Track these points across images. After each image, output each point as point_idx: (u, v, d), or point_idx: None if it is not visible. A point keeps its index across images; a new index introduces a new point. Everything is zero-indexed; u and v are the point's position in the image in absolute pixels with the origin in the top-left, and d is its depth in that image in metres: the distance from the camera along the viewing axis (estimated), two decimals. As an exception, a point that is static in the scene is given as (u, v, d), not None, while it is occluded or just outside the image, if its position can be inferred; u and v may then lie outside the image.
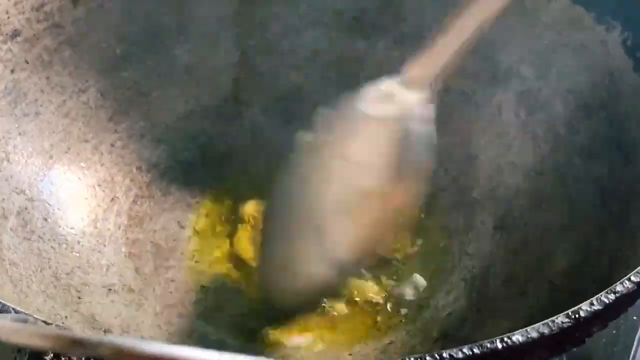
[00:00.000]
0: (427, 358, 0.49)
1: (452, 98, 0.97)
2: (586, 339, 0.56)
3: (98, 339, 0.36)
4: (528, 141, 0.91)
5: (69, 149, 0.91)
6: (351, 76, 0.97)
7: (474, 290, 0.84)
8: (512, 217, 0.88)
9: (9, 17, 0.87)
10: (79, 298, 0.79)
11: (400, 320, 0.84)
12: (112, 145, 0.95)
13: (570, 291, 0.73)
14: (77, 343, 0.35)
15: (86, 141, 0.93)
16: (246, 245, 0.92)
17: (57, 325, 0.58)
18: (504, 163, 0.92)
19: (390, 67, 0.80)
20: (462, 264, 0.88)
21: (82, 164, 0.92)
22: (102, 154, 0.94)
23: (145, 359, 0.35)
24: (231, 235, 0.93)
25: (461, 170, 0.96)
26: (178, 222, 0.94)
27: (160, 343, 0.35)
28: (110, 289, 0.83)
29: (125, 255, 0.88)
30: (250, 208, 0.95)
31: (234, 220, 0.95)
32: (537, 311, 0.73)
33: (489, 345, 0.50)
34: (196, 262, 0.91)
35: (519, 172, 0.91)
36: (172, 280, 0.88)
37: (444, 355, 0.49)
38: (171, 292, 0.87)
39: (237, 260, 0.91)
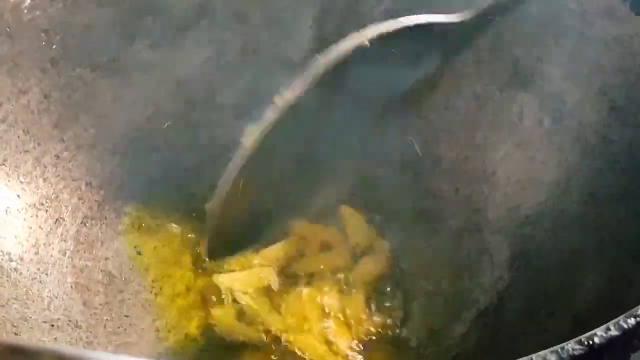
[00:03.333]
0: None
1: (463, 102, 1.02)
2: None
3: (39, 348, 0.39)
4: (553, 153, 0.94)
5: (5, 160, 0.93)
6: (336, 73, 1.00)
7: (485, 328, 0.87)
8: (532, 242, 0.91)
9: None
10: (16, 335, 0.81)
11: (398, 364, 0.87)
12: (57, 156, 0.98)
13: (597, 327, 0.75)
14: (17, 351, 0.39)
15: (26, 152, 0.95)
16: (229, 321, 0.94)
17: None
18: (525, 179, 0.95)
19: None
20: (472, 297, 0.92)
21: (22, 179, 0.94)
22: (45, 167, 0.96)
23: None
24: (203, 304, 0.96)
25: (474, 188, 1.00)
26: (134, 247, 0.98)
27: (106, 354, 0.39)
28: (53, 325, 0.85)
29: (71, 286, 0.91)
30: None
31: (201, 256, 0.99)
32: None
33: (488, 374, 0.53)
34: (156, 295, 0.95)
35: (542, 190, 0.93)
36: (127, 316, 0.91)
37: (436, 385, 0.52)
38: (125, 330, 0.90)
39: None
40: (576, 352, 0.53)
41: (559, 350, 0.53)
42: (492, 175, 0.98)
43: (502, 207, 0.95)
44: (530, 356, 0.53)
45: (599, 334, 0.54)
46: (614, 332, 0.55)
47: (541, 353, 0.53)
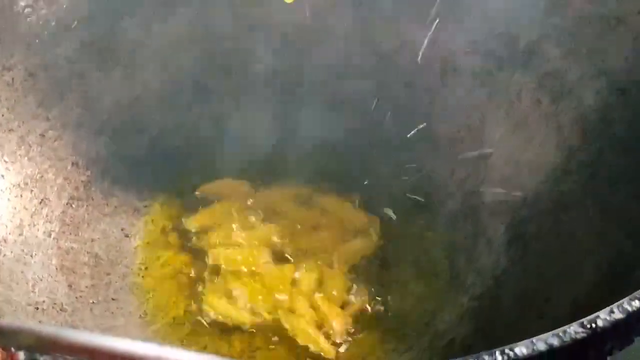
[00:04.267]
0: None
1: (460, 81, 1.00)
2: (607, 357, 0.56)
3: (18, 326, 0.38)
4: (552, 134, 0.92)
5: None
6: (330, 53, 0.99)
7: (482, 313, 0.86)
8: (530, 225, 0.90)
9: None
10: None
11: (393, 348, 0.86)
12: (43, 135, 0.97)
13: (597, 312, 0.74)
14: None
15: (11, 130, 0.94)
16: (217, 302, 0.93)
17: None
18: (523, 161, 0.94)
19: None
20: (468, 281, 0.90)
21: (6, 159, 0.93)
22: (30, 146, 0.95)
23: (70, 348, 0.37)
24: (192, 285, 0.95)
25: (470, 170, 0.98)
26: (122, 229, 0.97)
27: (86, 333, 0.37)
28: (37, 308, 0.85)
29: (56, 268, 0.90)
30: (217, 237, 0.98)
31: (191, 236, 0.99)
32: None
33: (487, 357, 0.51)
34: (143, 278, 0.94)
35: (540, 172, 0.92)
36: (114, 299, 0.90)
37: (433, 369, 0.51)
38: (112, 313, 0.89)
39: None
40: (578, 336, 0.52)
41: (561, 333, 0.52)
42: (487, 156, 0.96)
43: (499, 189, 0.94)
44: (531, 339, 0.51)
45: (602, 317, 0.53)
46: (617, 315, 0.53)
47: (543, 336, 0.52)
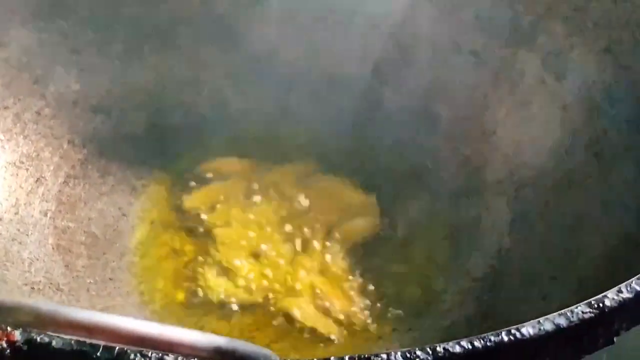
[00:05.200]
0: (418, 353, 0.49)
1: (462, 59, 0.99)
2: (615, 337, 0.56)
3: (16, 303, 0.38)
4: (556, 112, 0.92)
5: None
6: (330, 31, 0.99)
7: (484, 293, 0.86)
8: (534, 204, 0.89)
9: None
10: None
11: (393, 329, 0.85)
12: (38, 113, 0.96)
13: (603, 292, 0.74)
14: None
15: (6, 108, 0.94)
16: (217, 281, 0.93)
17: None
18: (527, 139, 0.94)
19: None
20: (471, 260, 0.90)
21: (1, 136, 0.93)
22: (25, 124, 0.95)
23: (68, 325, 0.37)
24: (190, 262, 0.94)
25: (474, 148, 0.98)
26: (119, 208, 0.96)
27: (85, 310, 0.37)
28: (33, 288, 0.84)
29: (52, 248, 0.89)
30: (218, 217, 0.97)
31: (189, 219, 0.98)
32: None
33: (492, 338, 0.51)
34: (141, 257, 0.93)
35: (544, 151, 0.92)
36: (111, 279, 0.90)
37: (439, 349, 0.50)
38: (109, 293, 0.88)
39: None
40: (586, 316, 0.52)
41: (569, 313, 0.51)
42: (492, 135, 0.96)
43: (502, 167, 0.94)
44: (538, 319, 0.51)
45: (610, 297, 0.53)
46: (626, 295, 0.53)
47: (550, 316, 0.51)
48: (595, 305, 0.52)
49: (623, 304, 0.53)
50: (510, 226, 0.90)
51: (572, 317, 0.51)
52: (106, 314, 0.39)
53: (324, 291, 0.90)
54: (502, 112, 0.96)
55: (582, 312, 0.52)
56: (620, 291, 0.53)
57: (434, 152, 0.99)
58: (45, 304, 0.36)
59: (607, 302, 0.52)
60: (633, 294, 0.53)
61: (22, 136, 0.94)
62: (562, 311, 0.51)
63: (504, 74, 0.97)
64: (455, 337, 0.79)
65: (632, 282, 0.54)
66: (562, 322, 0.51)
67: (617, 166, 0.84)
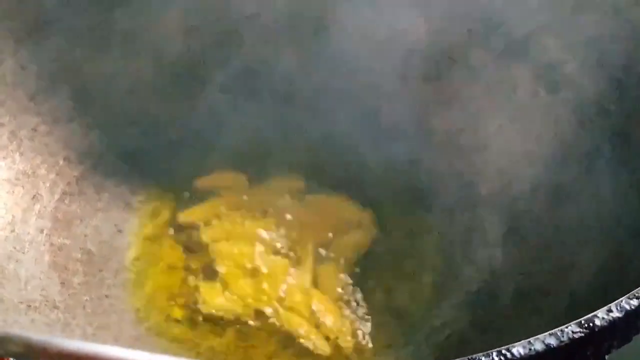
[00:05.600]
0: (408, 373, 0.50)
1: (456, 73, 1.00)
2: (605, 356, 0.56)
3: (5, 334, 0.38)
4: (549, 126, 0.92)
5: None
6: (326, 45, 0.99)
7: (478, 307, 0.86)
8: (527, 218, 0.90)
9: None
10: None
11: (388, 344, 0.86)
12: (34, 130, 0.96)
13: (596, 306, 0.74)
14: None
15: (1, 125, 0.94)
16: (213, 297, 0.93)
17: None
18: (520, 152, 0.94)
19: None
20: (465, 274, 0.90)
21: (-3, 154, 0.92)
22: (21, 141, 0.95)
23: (59, 356, 0.37)
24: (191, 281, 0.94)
25: (467, 162, 0.98)
26: (115, 224, 0.96)
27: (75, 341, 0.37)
28: (29, 306, 0.84)
29: (48, 265, 0.89)
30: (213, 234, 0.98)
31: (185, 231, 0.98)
32: None
33: (483, 358, 0.51)
34: (137, 274, 0.93)
35: (537, 164, 0.92)
36: (107, 296, 0.90)
37: (428, 369, 0.51)
38: (105, 310, 0.88)
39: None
40: (576, 335, 0.52)
41: (558, 332, 0.52)
42: (485, 148, 0.96)
43: (495, 181, 0.94)
44: (528, 339, 0.51)
45: (600, 316, 0.53)
46: (616, 314, 0.54)
47: (540, 336, 0.52)
48: (585, 325, 0.53)
49: (613, 323, 0.53)
50: (503, 240, 0.90)
51: (563, 336, 0.52)
52: (98, 344, 0.39)
53: (319, 306, 0.90)
54: (495, 125, 0.97)
55: (572, 332, 0.52)
56: (610, 310, 0.54)
57: (427, 166, 0.99)
58: (36, 334, 0.36)
59: (597, 322, 0.53)
60: (623, 313, 0.54)
61: (18, 153, 0.94)
62: (553, 331, 0.52)
63: (497, 87, 0.97)
64: (450, 352, 0.80)
65: (621, 301, 0.54)
66: (553, 342, 0.52)
67: (610, 180, 0.84)
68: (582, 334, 0.53)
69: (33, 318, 0.83)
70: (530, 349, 0.52)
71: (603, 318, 0.54)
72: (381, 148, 1.03)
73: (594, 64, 0.89)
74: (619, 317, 0.54)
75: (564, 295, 0.79)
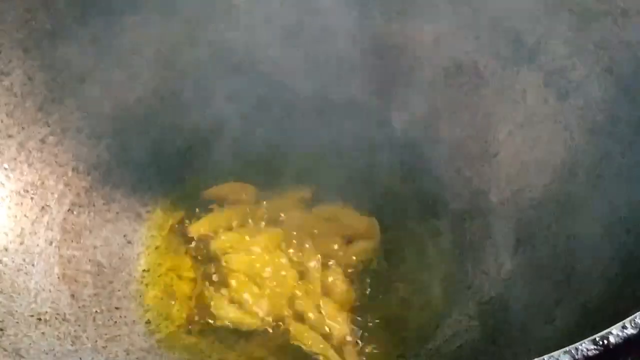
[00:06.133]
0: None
1: (465, 80, 1.00)
2: None
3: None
4: (559, 133, 0.92)
5: None
6: (331, 59, 1.00)
7: (490, 317, 0.86)
8: (537, 226, 0.89)
9: None
10: (1, 330, 0.79)
11: (399, 354, 0.86)
12: (43, 141, 0.96)
13: (608, 317, 0.73)
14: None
15: (10, 137, 0.94)
16: (224, 307, 0.93)
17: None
18: (529, 160, 0.94)
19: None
20: (476, 284, 0.90)
21: (5, 165, 0.93)
22: (30, 152, 0.95)
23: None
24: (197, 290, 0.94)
25: (476, 170, 0.98)
26: (124, 235, 0.96)
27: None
28: (40, 319, 0.84)
29: (58, 277, 0.89)
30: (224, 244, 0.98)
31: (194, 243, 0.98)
32: (567, 342, 0.74)
33: (497, 377, 0.51)
34: (147, 285, 0.93)
35: (547, 172, 0.91)
36: (117, 308, 0.90)
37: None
38: (115, 323, 0.88)
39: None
40: (590, 353, 0.52)
41: (573, 350, 0.52)
42: (494, 155, 0.96)
43: (505, 189, 0.94)
44: (543, 357, 0.51)
45: (614, 333, 0.53)
46: (630, 331, 0.53)
47: (554, 354, 0.52)
48: (600, 342, 0.53)
49: (628, 340, 0.53)
50: (514, 249, 0.89)
51: (577, 354, 0.52)
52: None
53: (328, 314, 0.90)
54: (505, 132, 0.96)
55: (587, 349, 0.52)
56: (624, 327, 0.53)
57: (437, 174, 0.99)
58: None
59: (612, 339, 0.53)
60: (637, 330, 0.53)
61: (26, 165, 0.93)
62: (567, 348, 0.52)
63: (506, 94, 0.97)
64: (462, 361, 0.80)
65: (635, 317, 0.54)
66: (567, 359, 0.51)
67: (620, 187, 0.83)
68: (597, 352, 0.52)
69: (44, 331, 0.83)
70: (545, 367, 0.51)
71: (618, 335, 0.53)
72: (390, 156, 1.02)
73: (603, 70, 0.89)
74: (633, 334, 0.54)
75: (575, 304, 0.79)
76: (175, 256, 0.96)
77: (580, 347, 0.52)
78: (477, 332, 0.85)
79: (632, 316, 0.55)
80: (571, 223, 0.86)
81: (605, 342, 0.53)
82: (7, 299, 0.84)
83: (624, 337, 0.53)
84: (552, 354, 0.52)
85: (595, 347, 0.52)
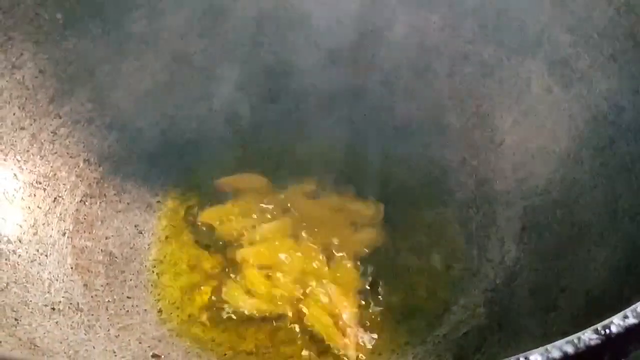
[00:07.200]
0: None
1: (470, 70, 1.00)
2: None
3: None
4: (563, 121, 0.92)
5: (1, 138, 0.92)
6: (340, 49, 1.00)
7: (496, 304, 0.86)
8: (543, 214, 0.90)
9: None
10: (16, 320, 0.80)
11: (406, 342, 0.86)
12: (54, 133, 0.97)
13: (612, 305, 0.74)
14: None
15: (22, 129, 0.94)
16: (236, 296, 0.93)
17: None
18: (534, 148, 0.94)
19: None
20: (482, 271, 0.91)
21: (18, 157, 0.93)
22: (42, 144, 0.96)
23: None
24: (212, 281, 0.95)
25: (482, 158, 0.99)
26: (135, 226, 0.97)
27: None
28: (53, 309, 0.85)
29: (71, 268, 0.90)
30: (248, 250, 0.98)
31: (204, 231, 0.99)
32: (571, 328, 0.74)
33: (501, 366, 0.51)
34: (158, 274, 0.94)
35: (551, 160, 0.92)
36: (129, 297, 0.90)
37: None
38: (127, 312, 0.89)
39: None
40: (592, 342, 0.52)
41: (575, 340, 0.52)
42: (500, 144, 0.97)
43: (510, 177, 0.94)
44: (545, 347, 0.52)
45: (616, 322, 0.53)
46: (631, 320, 0.53)
47: (557, 343, 0.52)
48: (602, 332, 0.53)
49: (629, 330, 0.53)
50: (519, 237, 0.90)
51: (579, 343, 0.52)
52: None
53: (337, 301, 0.90)
54: (510, 121, 0.97)
55: (589, 339, 0.52)
56: (626, 316, 0.54)
57: (442, 163, 0.99)
58: (20, 353, 0.36)
59: (614, 329, 0.53)
60: (639, 319, 0.53)
61: (39, 157, 0.94)
62: (569, 338, 0.52)
63: (511, 83, 0.97)
64: (468, 349, 0.81)
65: (637, 306, 0.54)
66: (569, 349, 0.52)
67: (624, 176, 0.84)
68: (599, 341, 0.53)
69: (57, 321, 0.84)
70: (547, 357, 0.52)
71: (619, 324, 0.53)
72: (395, 145, 1.02)
73: (607, 59, 0.89)
74: (635, 323, 0.54)
75: (580, 291, 0.79)
76: (186, 245, 0.96)
77: (582, 336, 0.53)
78: (483, 319, 0.86)
79: (634, 305, 0.55)
80: (576, 211, 0.87)
81: (607, 331, 0.53)
82: (22, 289, 0.85)
83: (626, 327, 0.53)
84: (554, 343, 0.52)
85: (597, 336, 0.53)
